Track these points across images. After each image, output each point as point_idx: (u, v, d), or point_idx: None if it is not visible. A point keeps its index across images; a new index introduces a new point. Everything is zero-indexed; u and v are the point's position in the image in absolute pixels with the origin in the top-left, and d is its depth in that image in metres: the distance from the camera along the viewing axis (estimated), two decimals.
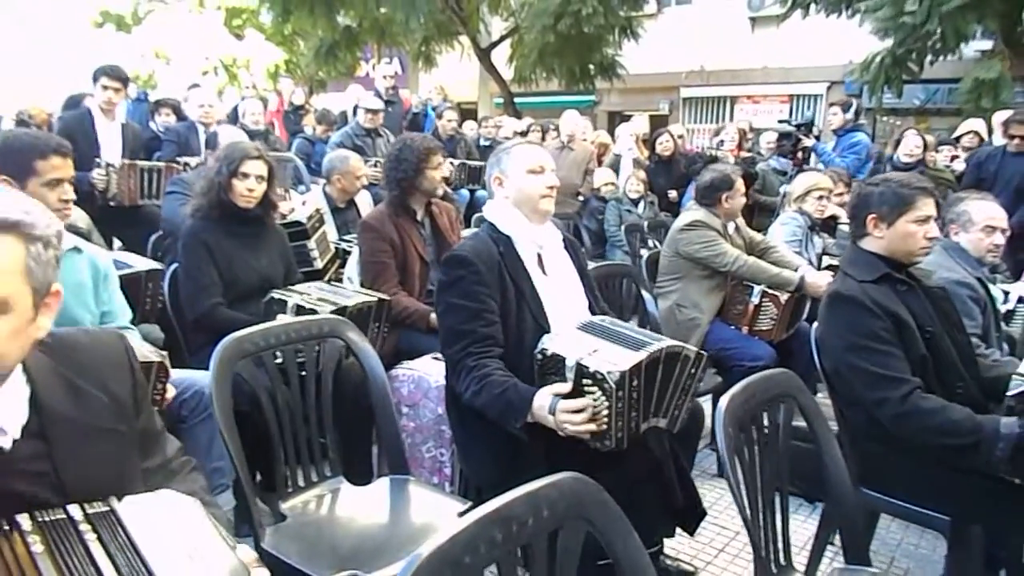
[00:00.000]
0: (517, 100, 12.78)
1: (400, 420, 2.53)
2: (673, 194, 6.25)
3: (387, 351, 2.74)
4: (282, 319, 2.31)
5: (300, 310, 2.42)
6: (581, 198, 6.23)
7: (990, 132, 5.43)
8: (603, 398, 1.67)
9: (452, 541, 0.89)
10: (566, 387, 1.72)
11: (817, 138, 6.03)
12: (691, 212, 3.36)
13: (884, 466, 1.97)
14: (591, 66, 12.38)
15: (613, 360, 1.68)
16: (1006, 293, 3.06)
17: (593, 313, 2.14)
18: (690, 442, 2.21)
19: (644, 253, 3.91)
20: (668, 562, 2.34)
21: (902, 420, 1.84)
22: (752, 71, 14.49)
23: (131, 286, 2.69)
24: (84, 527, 0.96)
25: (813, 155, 5.88)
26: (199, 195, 2.63)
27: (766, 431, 1.54)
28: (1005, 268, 3.96)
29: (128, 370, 1.20)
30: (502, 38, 12.86)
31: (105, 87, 3.99)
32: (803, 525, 2.61)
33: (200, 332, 2.57)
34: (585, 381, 1.70)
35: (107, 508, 1.00)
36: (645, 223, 5.40)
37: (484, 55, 12.79)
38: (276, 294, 2.54)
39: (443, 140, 5.90)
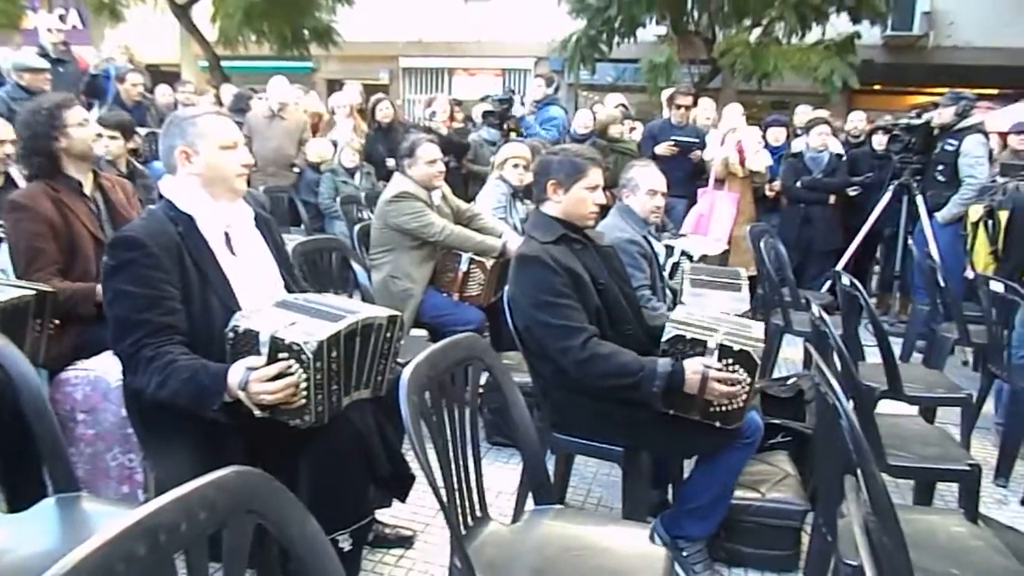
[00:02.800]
0: (226, 64, 11.80)
1: (76, 429, 2.23)
2: (391, 162, 6.22)
3: (64, 351, 2.38)
4: None
5: None
6: (296, 170, 5.96)
7: (662, 108, 6.22)
8: (300, 370, 1.61)
9: (79, 566, 0.78)
10: (260, 360, 1.62)
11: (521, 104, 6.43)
12: (397, 183, 3.38)
13: (570, 410, 2.18)
14: (304, 31, 11.85)
15: (310, 331, 1.63)
16: (669, 248, 3.55)
17: (290, 292, 2.05)
18: (397, 410, 2.24)
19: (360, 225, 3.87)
20: (387, 530, 2.38)
21: (583, 365, 2.04)
22: (467, 44, 15.01)
23: None
24: None
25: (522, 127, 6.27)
26: None
27: (454, 394, 1.60)
28: (672, 226, 4.60)
29: None
30: None
31: None
32: (516, 472, 2.81)
33: None
34: (281, 355, 1.62)
35: None
36: (362, 194, 5.34)
37: (182, 12, 11.56)
38: None
39: (128, 107, 5.24)
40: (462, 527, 1.56)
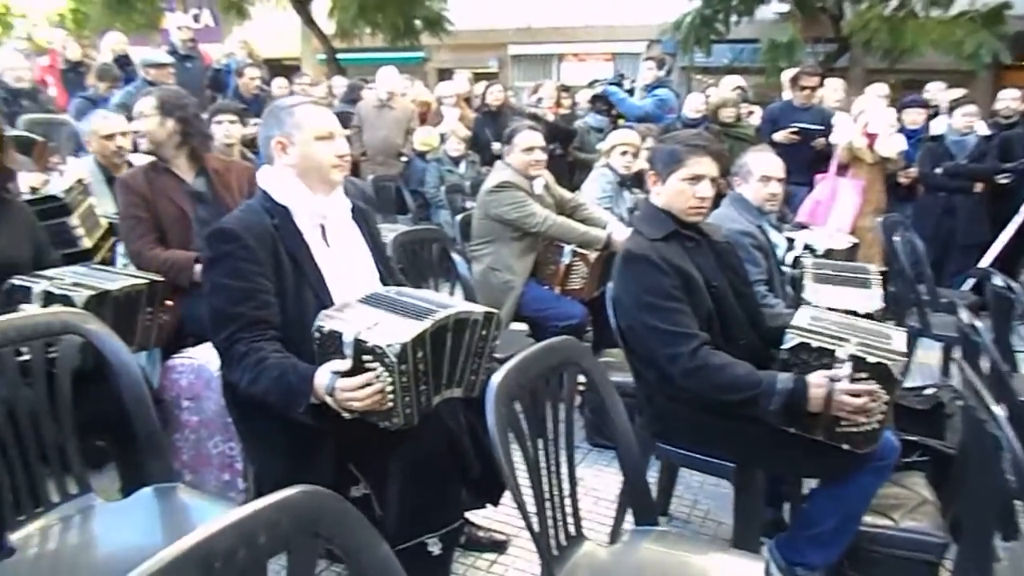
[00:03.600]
0: (341, 57, 12.14)
1: (182, 415, 2.28)
2: (497, 146, 6.15)
3: (171, 325, 2.47)
4: (28, 310, 1.97)
5: (50, 298, 2.07)
6: (404, 159, 6.01)
7: (781, 91, 5.81)
8: (385, 373, 1.55)
9: None
10: (345, 364, 1.57)
11: (630, 92, 6.16)
12: (498, 172, 3.28)
13: (676, 420, 2.00)
14: (416, 20, 12.00)
15: (394, 332, 1.55)
16: (791, 240, 3.27)
17: (385, 285, 1.99)
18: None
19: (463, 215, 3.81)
20: (480, 533, 2.30)
21: (692, 375, 1.86)
22: (577, 29, 14.76)
23: None
24: None
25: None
26: None
27: (547, 402, 1.48)
28: (791, 217, 4.26)
29: None
30: None
31: None
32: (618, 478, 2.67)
33: None
34: (365, 357, 1.56)
35: None
36: (467, 183, 5.30)
37: (302, 7, 11.98)
38: (18, 280, 2.15)
39: (246, 100, 5.43)
40: (554, 548, 1.44)
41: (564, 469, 1.51)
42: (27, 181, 2.81)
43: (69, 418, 1.64)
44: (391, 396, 1.56)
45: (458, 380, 1.76)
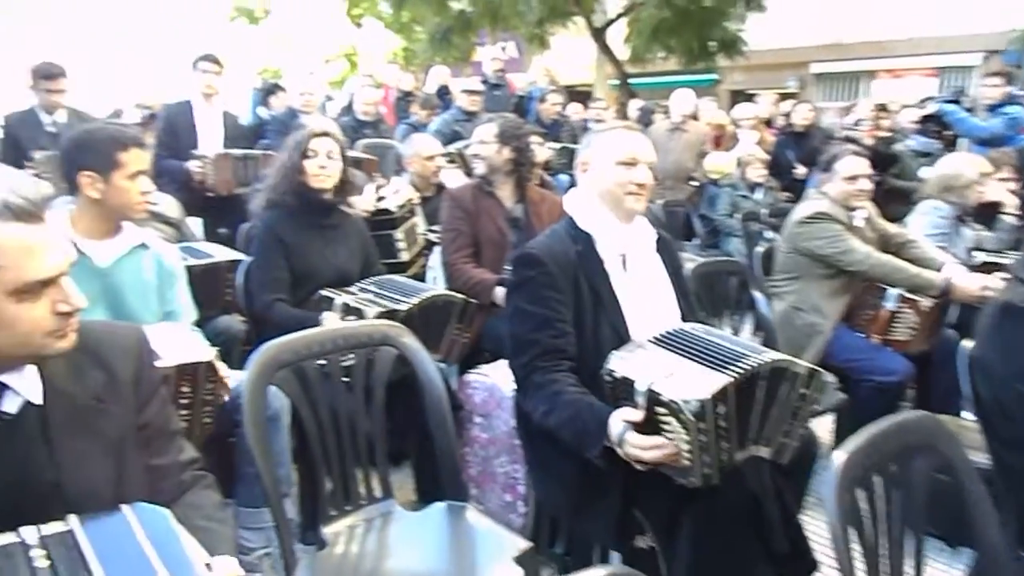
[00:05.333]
0: (633, 81, 12.28)
1: (472, 431, 2.34)
2: (801, 170, 5.63)
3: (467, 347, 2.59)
4: (329, 318, 2.17)
5: (348, 309, 2.27)
6: (695, 183, 5.80)
7: None
8: (681, 430, 1.39)
9: None
10: (637, 415, 1.45)
11: (969, 110, 5.25)
12: (812, 202, 2.93)
13: None
14: (711, 43, 11.68)
15: (693, 384, 1.39)
16: None
17: (685, 322, 1.84)
18: (799, 475, 1.86)
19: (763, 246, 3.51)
20: None
21: None
22: (896, 42, 13.22)
23: (210, 276, 2.66)
24: (36, 552, 0.91)
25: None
26: (270, 187, 2.54)
27: (894, 490, 1.20)
28: None
29: (135, 356, 1.19)
30: (618, 16, 12.37)
31: (204, 71, 4.03)
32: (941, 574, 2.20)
33: (268, 327, 2.48)
34: (659, 410, 1.42)
35: (66, 529, 0.95)
36: (764, 210, 4.93)
37: (598, 35, 12.35)
38: (326, 292, 2.40)
39: (546, 124, 5.65)
40: None
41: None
42: (363, 203, 3.13)
43: (381, 425, 1.74)
44: (687, 454, 1.41)
45: (766, 439, 1.54)
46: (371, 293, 2.35)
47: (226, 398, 1.88)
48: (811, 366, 1.51)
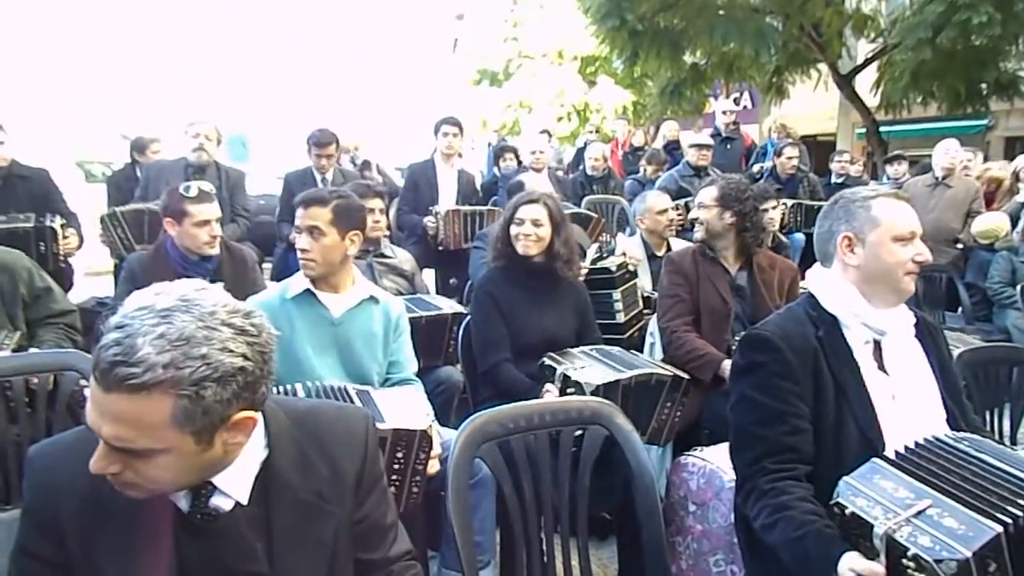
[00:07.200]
0: (884, 129, 11.19)
1: (686, 519, 2.14)
2: None
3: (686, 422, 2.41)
4: (549, 391, 2.12)
5: (567, 381, 2.21)
6: (960, 246, 5.06)
7: None
8: None
9: None
10: (879, 569, 1.19)
11: None
12: None
13: None
14: (983, 84, 10.30)
15: (950, 533, 1.11)
16: None
17: (953, 429, 1.52)
18: None
19: None
20: None
21: None
22: None
23: (435, 328, 2.77)
24: None
25: None
26: (491, 246, 2.62)
27: None
28: None
29: (362, 449, 1.15)
30: (867, 61, 11.42)
31: (445, 133, 4.36)
32: None
33: (486, 386, 2.51)
34: (906, 563, 1.15)
35: None
36: None
37: (845, 82, 11.46)
38: (548, 359, 2.36)
39: (782, 180, 5.29)
40: None
41: None
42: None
43: (584, 504, 1.64)
44: None
45: None
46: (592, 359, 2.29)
47: (432, 470, 1.89)
48: None
